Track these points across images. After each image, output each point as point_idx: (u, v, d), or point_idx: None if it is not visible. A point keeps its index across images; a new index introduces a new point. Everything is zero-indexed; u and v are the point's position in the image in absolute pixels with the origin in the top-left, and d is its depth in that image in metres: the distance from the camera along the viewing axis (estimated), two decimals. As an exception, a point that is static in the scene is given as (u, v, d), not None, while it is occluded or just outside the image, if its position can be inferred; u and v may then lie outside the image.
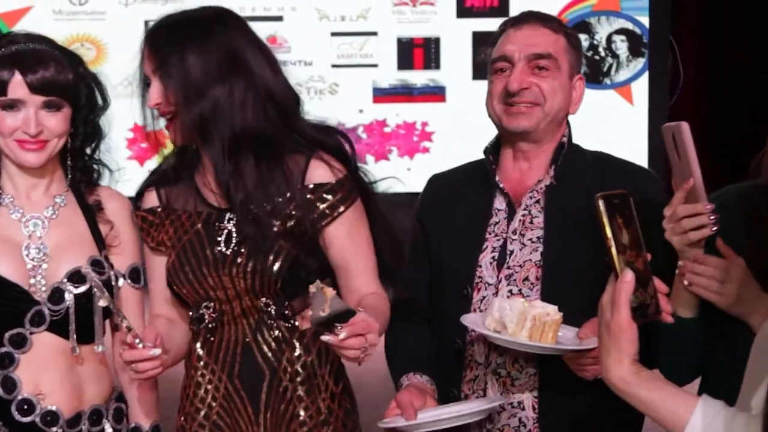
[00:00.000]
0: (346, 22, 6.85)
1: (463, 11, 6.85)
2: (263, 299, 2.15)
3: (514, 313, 1.98)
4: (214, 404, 2.21)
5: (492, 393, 2.19)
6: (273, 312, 2.15)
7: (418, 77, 6.90)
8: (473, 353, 2.22)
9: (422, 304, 2.33)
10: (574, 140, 2.31)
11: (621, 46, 6.89)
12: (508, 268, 2.20)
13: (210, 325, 2.19)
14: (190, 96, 2.09)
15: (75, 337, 2.13)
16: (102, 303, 2.09)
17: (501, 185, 2.25)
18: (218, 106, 2.10)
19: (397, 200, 2.31)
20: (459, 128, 6.55)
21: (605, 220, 1.50)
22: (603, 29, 6.88)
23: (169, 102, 2.12)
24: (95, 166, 2.27)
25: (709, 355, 1.99)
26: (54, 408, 2.14)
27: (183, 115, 2.11)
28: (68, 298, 2.13)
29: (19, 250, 2.15)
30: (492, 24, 6.71)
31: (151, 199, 2.26)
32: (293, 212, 2.13)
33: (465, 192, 2.31)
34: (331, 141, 2.22)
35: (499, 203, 2.26)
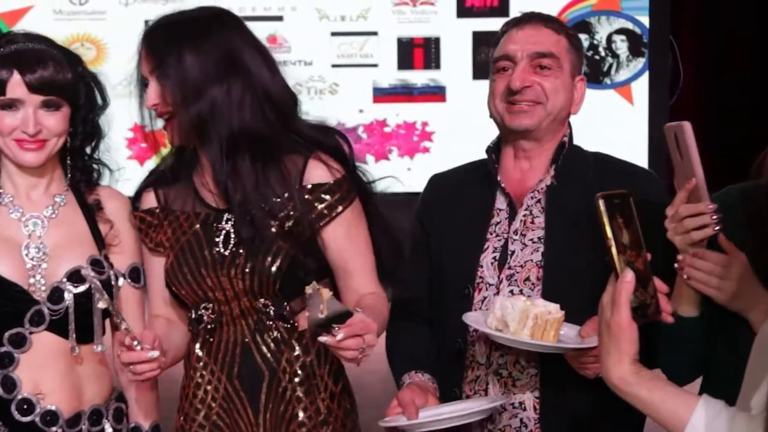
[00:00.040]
0: (346, 21, 6.85)
1: (464, 11, 6.84)
2: (262, 300, 2.14)
3: (516, 312, 1.98)
4: (213, 405, 2.21)
5: (493, 393, 2.19)
6: (272, 313, 2.15)
7: (419, 77, 6.90)
8: (474, 353, 2.22)
9: (422, 304, 2.33)
10: (575, 140, 2.31)
11: (621, 45, 6.88)
12: (509, 268, 2.20)
13: (209, 326, 2.19)
14: (188, 96, 2.09)
15: (74, 336, 2.13)
16: (101, 305, 2.09)
17: (502, 185, 2.25)
18: (216, 106, 2.09)
19: (395, 200, 2.31)
20: (459, 128, 6.55)
21: (605, 219, 1.50)
22: (603, 29, 6.88)
23: (167, 102, 2.11)
24: (95, 166, 2.27)
25: (710, 354, 1.98)
26: (54, 408, 2.14)
27: (181, 115, 2.11)
28: (68, 297, 2.13)
29: (18, 250, 2.14)
30: (492, 24, 6.76)
31: (150, 200, 2.26)
32: (291, 212, 2.13)
33: (465, 192, 2.31)
34: (329, 141, 2.21)
35: (500, 203, 2.26)
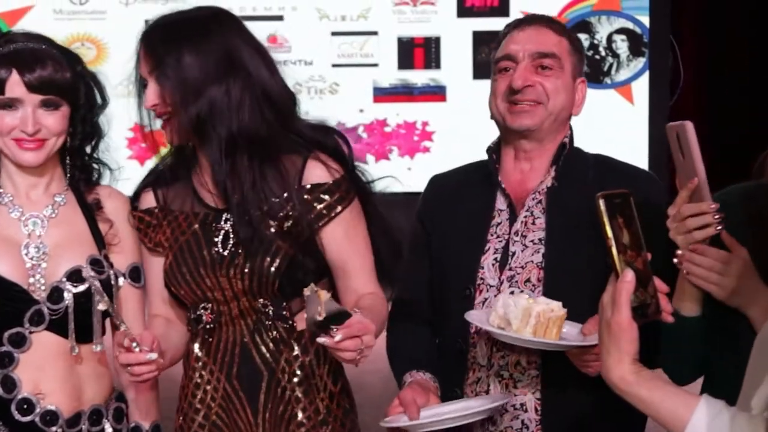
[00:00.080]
0: (346, 21, 6.85)
1: (464, 11, 6.84)
2: (261, 300, 2.14)
3: (518, 309, 1.98)
4: (213, 405, 2.21)
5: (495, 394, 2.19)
6: (271, 313, 2.15)
7: (419, 77, 6.90)
8: (475, 355, 2.22)
9: (423, 305, 2.33)
10: (575, 141, 2.31)
11: (621, 45, 6.89)
12: (510, 269, 2.20)
13: (208, 326, 2.19)
14: (187, 96, 2.09)
15: (74, 336, 2.13)
16: (101, 307, 2.09)
17: (503, 185, 2.26)
18: (215, 106, 2.09)
19: (395, 200, 2.31)
20: (459, 128, 6.55)
21: (606, 219, 1.50)
22: (603, 29, 6.88)
23: (166, 103, 2.11)
24: (95, 166, 2.27)
25: (711, 354, 1.98)
26: (53, 407, 2.14)
27: (180, 115, 2.10)
28: (67, 297, 2.13)
29: (18, 249, 2.14)
30: (492, 24, 6.77)
31: (148, 200, 2.26)
32: (290, 212, 2.13)
33: (466, 193, 2.31)
34: (328, 141, 2.21)
35: (501, 204, 2.26)
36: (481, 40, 6.74)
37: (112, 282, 2.18)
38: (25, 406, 2.13)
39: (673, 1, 6.88)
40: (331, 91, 6.85)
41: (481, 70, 6.67)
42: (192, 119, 2.09)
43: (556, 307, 2.00)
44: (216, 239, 2.17)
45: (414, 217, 2.40)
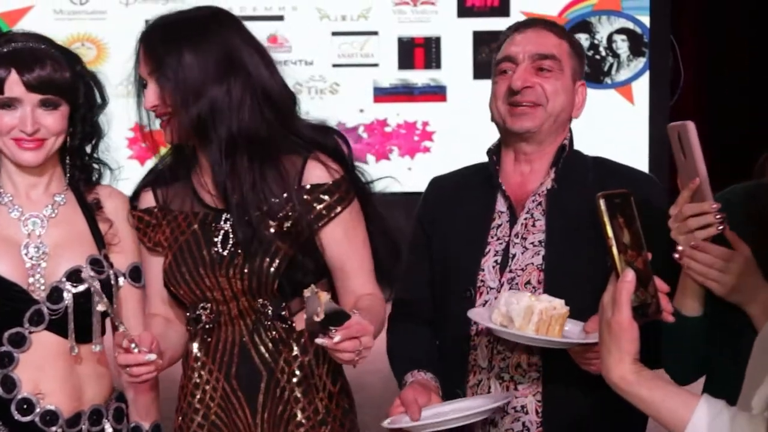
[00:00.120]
0: (346, 21, 6.86)
1: (464, 11, 6.85)
2: (260, 300, 2.14)
3: (520, 307, 1.98)
4: (212, 404, 2.20)
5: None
6: (270, 313, 2.15)
7: (419, 77, 6.90)
8: (476, 357, 2.22)
9: (423, 305, 2.33)
10: (576, 141, 2.31)
11: (622, 45, 6.89)
12: (510, 271, 2.20)
13: (207, 326, 2.19)
14: (187, 97, 2.08)
15: (74, 336, 2.13)
16: (100, 308, 2.08)
17: (503, 187, 2.26)
18: (216, 106, 2.09)
19: (394, 200, 2.31)
20: (460, 128, 6.56)
21: (606, 219, 1.50)
22: (604, 29, 6.88)
23: (166, 103, 2.11)
24: (95, 165, 2.27)
25: (713, 353, 1.98)
26: (53, 407, 2.14)
27: (180, 116, 2.10)
28: (67, 297, 2.13)
29: (18, 249, 2.14)
30: (493, 24, 6.78)
31: (148, 200, 2.25)
32: (290, 213, 2.13)
33: (466, 195, 2.32)
34: (328, 141, 2.21)
35: (501, 206, 2.26)
36: (482, 40, 6.75)
37: (112, 282, 2.18)
38: (25, 406, 2.13)
39: (673, 1, 6.88)
40: (331, 91, 6.85)
41: (481, 70, 6.68)
42: (192, 119, 2.09)
43: (559, 305, 2.00)
44: (215, 239, 2.17)
45: (414, 219, 2.40)
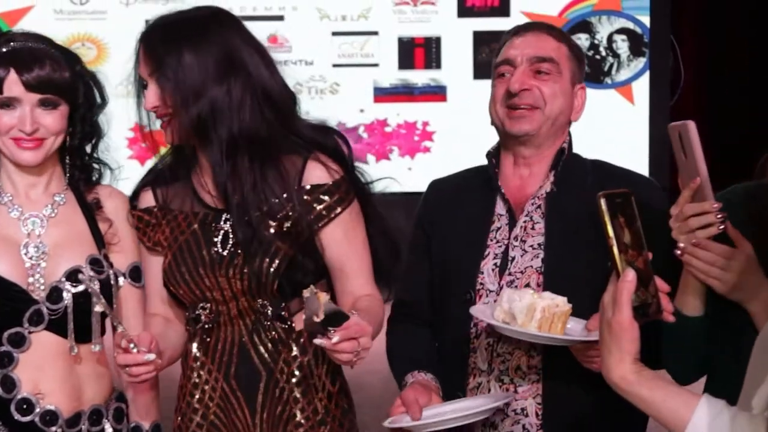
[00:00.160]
0: (347, 21, 6.86)
1: (464, 11, 6.85)
2: (260, 300, 2.14)
3: (523, 304, 1.98)
4: (211, 404, 2.20)
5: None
6: (269, 313, 2.15)
7: (419, 77, 6.90)
8: (476, 360, 2.22)
9: (423, 306, 2.34)
10: (576, 141, 2.31)
11: (622, 45, 6.89)
12: (510, 274, 2.21)
13: (206, 326, 2.19)
14: (188, 97, 2.08)
15: (73, 336, 2.13)
16: (98, 308, 2.08)
17: (502, 190, 2.26)
18: (216, 106, 2.09)
19: (394, 200, 2.31)
20: (460, 128, 6.56)
21: (607, 219, 1.50)
22: (604, 29, 6.88)
23: (167, 104, 2.11)
24: (95, 165, 2.27)
25: (714, 352, 1.98)
26: (53, 408, 2.14)
27: (181, 116, 2.10)
28: (66, 297, 2.12)
29: (17, 249, 2.14)
30: (493, 24, 6.78)
31: (147, 199, 2.25)
32: (290, 213, 2.13)
33: (465, 198, 2.32)
34: (328, 142, 2.21)
35: (500, 208, 2.27)
36: (482, 40, 6.75)
37: (112, 282, 2.18)
38: (25, 406, 2.12)
39: (674, 1, 6.89)
40: (331, 91, 6.85)
41: (481, 70, 6.68)
42: (192, 120, 2.09)
43: (561, 303, 2.00)
44: (215, 239, 2.17)
45: (414, 220, 2.40)
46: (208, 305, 2.17)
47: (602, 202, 1.50)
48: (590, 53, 6.84)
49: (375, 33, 6.86)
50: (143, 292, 2.27)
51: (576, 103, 2.28)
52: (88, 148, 2.25)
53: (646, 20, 6.85)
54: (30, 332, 2.12)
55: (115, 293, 2.19)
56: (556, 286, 2.14)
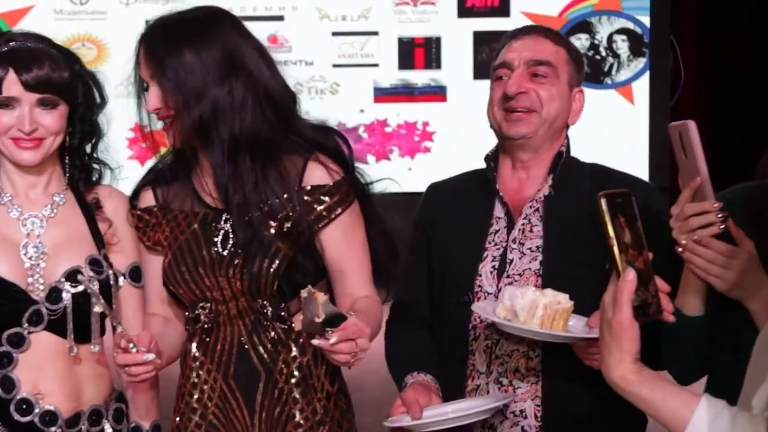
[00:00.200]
0: (347, 21, 6.86)
1: (464, 11, 6.85)
2: (260, 300, 2.14)
3: (525, 301, 1.98)
4: (209, 404, 2.20)
5: None
6: (269, 313, 2.14)
7: (419, 77, 6.90)
8: (475, 362, 2.23)
9: (422, 306, 2.34)
10: (576, 142, 2.32)
11: (622, 45, 6.89)
12: (508, 276, 2.21)
13: (206, 326, 2.18)
14: (190, 99, 2.08)
15: (72, 336, 2.12)
16: (97, 309, 2.08)
17: (500, 193, 2.27)
18: (218, 107, 2.09)
19: (394, 200, 2.31)
20: (460, 128, 6.55)
21: (607, 219, 1.49)
22: (604, 29, 6.88)
23: (169, 106, 2.10)
24: (95, 165, 2.27)
25: (712, 348, 1.98)
26: (53, 408, 2.14)
27: (183, 118, 2.10)
28: (66, 297, 2.12)
29: (17, 249, 2.14)
30: (493, 24, 6.78)
31: (148, 199, 2.25)
32: (290, 213, 2.13)
33: (464, 201, 2.33)
34: (328, 142, 2.21)
35: (499, 211, 2.28)
36: (482, 40, 6.75)
37: (111, 282, 2.18)
38: (24, 407, 2.12)
39: (674, 1, 6.89)
40: (331, 91, 6.85)
41: (481, 71, 6.67)
42: (195, 121, 2.08)
43: (563, 300, 1.99)
44: (215, 239, 2.17)
45: (414, 220, 2.41)
46: (208, 305, 2.17)
47: (603, 201, 1.50)
48: (590, 53, 6.84)
49: (375, 33, 6.86)
50: (143, 293, 2.26)
51: (574, 106, 2.29)
52: (88, 148, 2.25)
53: (646, 20, 6.85)
54: (29, 332, 2.12)
55: (114, 293, 2.19)
56: (555, 288, 2.15)
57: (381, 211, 2.27)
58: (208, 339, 2.19)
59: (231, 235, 2.15)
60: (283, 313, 2.14)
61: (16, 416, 2.12)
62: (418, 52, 6.88)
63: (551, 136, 2.26)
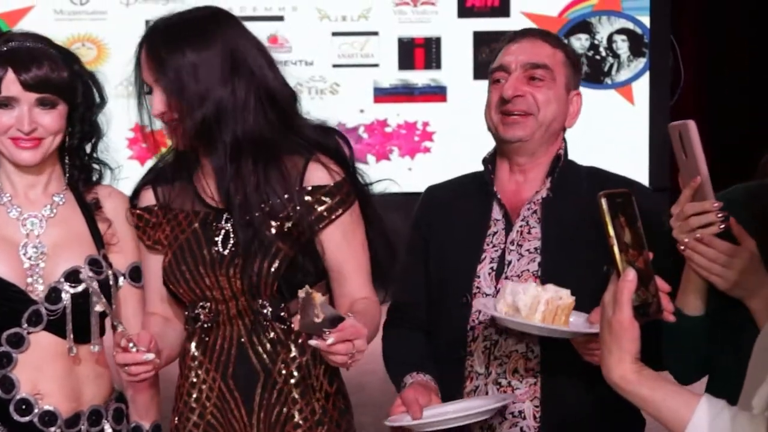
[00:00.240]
0: (347, 21, 6.85)
1: (464, 11, 6.85)
2: (260, 300, 2.14)
3: (527, 297, 1.98)
4: (208, 404, 2.20)
5: None
6: (269, 313, 2.14)
7: (419, 77, 6.90)
8: (473, 363, 2.23)
9: (418, 308, 2.34)
10: (576, 142, 2.32)
11: (622, 45, 6.89)
12: (506, 277, 2.21)
13: (205, 325, 2.18)
14: (194, 102, 2.07)
15: (72, 337, 2.12)
16: (98, 308, 2.08)
17: (498, 196, 2.27)
18: (222, 108, 2.08)
19: (393, 200, 2.31)
20: (460, 128, 6.55)
21: (608, 218, 1.49)
22: (604, 29, 6.88)
23: (173, 109, 2.10)
24: (95, 165, 2.27)
25: (712, 348, 1.98)
26: (52, 408, 2.14)
27: (187, 120, 2.09)
28: (65, 297, 2.12)
29: (16, 249, 2.14)
30: (493, 24, 6.78)
31: (148, 198, 2.25)
32: (291, 213, 2.13)
33: (462, 203, 2.33)
34: (329, 143, 2.21)
35: (497, 213, 2.28)
36: (482, 40, 6.75)
37: (111, 282, 2.18)
38: (24, 407, 2.12)
39: (673, 1, 6.88)
40: (331, 91, 6.85)
41: (481, 71, 6.66)
42: (197, 124, 2.08)
43: (565, 295, 1.99)
44: (216, 238, 2.16)
45: (411, 222, 2.41)
46: (208, 304, 2.17)
47: (603, 201, 1.49)
48: (590, 53, 6.84)
49: (375, 33, 6.86)
50: (143, 293, 2.26)
51: (571, 109, 2.30)
52: (88, 148, 2.25)
53: (646, 20, 6.84)
54: (29, 333, 2.12)
55: (114, 294, 2.18)
56: None
57: (381, 211, 2.27)
58: (207, 338, 2.19)
59: (232, 235, 2.15)
60: (282, 314, 2.14)
61: (16, 416, 2.12)
62: (418, 52, 6.88)
63: (548, 139, 2.27)
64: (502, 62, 2.28)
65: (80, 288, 2.13)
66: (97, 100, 2.23)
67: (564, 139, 2.32)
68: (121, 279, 2.23)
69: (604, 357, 1.53)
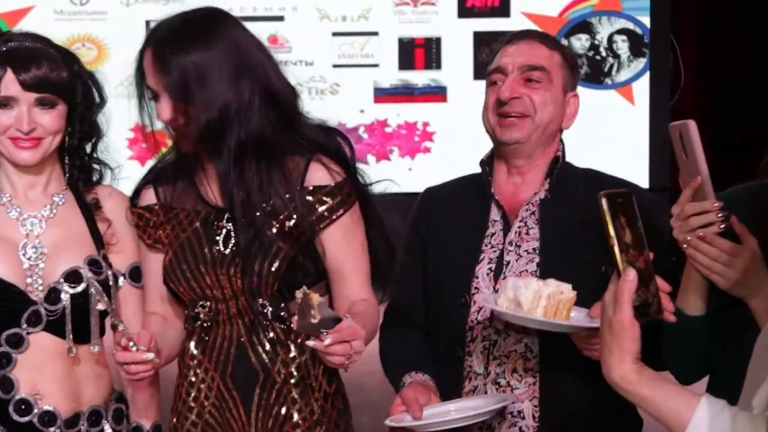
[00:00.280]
0: (347, 22, 6.86)
1: (464, 11, 6.85)
2: (260, 300, 2.14)
3: (529, 292, 1.97)
4: (206, 403, 2.20)
5: None
6: (269, 313, 2.14)
7: (419, 77, 6.90)
8: (472, 364, 2.23)
9: (416, 309, 2.34)
10: (576, 142, 2.32)
11: (622, 46, 6.89)
12: (505, 278, 2.21)
13: (205, 324, 2.18)
14: (200, 106, 2.07)
15: (71, 337, 2.12)
16: (100, 306, 2.09)
17: (496, 197, 2.27)
18: (228, 110, 2.07)
19: (393, 200, 2.31)
20: (460, 128, 6.55)
21: (608, 218, 1.49)
22: (604, 29, 6.88)
23: (180, 114, 2.09)
24: (95, 166, 2.26)
25: (713, 347, 1.98)
26: (52, 408, 2.14)
27: (194, 125, 2.09)
28: (65, 298, 2.12)
29: (16, 250, 2.14)
30: (493, 24, 6.79)
31: (149, 197, 2.25)
32: (292, 213, 2.13)
33: (460, 205, 2.34)
34: (330, 143, 2.21)
35: (495, 214, 2.28)
36: (482, 40, 6.75)
37: (110, 283, 2.18)
38: (23, 407, 2.12)
39: (674, 2, 6.89)
40: (331, 91, 6.85)
41: (481, 71, 6.65)
42: (202, 128, 2.07)
43: (566, 290, 1.99)
44: (217, 238, 2.17)
45: (409, 224, 2.41)
46: (208, 303, 2.17)
47: (603, 201, 1.49)
48: (590, 54, 6.84)
49: (375, 33, 6.86)
50: (143, 293, 2.26)
51: (568, 111, 2.30)
52: (88, 148, 2.25)
53: (646, 20, 6.85)
54: (28, 333, 2.12)
55: (113, 294, 2.18)
56: None
57: (381, 211, 2.27)
58: (207, 338, 2.19)
59: (233, 234, 2.15)
60: (282, 313, 2.14)
61: (15, 416, 2.12)
62: (418, 52, 6.88)
63: (545, 141, 2.27)
64: (499, 64, 2.28)
65: (80, 288, 2.13)
66: (97, 100, 2.22)
67: (561, 141, 2.32)
68: (121, 279, 2.23)
69: (604, 357, 1.53)
